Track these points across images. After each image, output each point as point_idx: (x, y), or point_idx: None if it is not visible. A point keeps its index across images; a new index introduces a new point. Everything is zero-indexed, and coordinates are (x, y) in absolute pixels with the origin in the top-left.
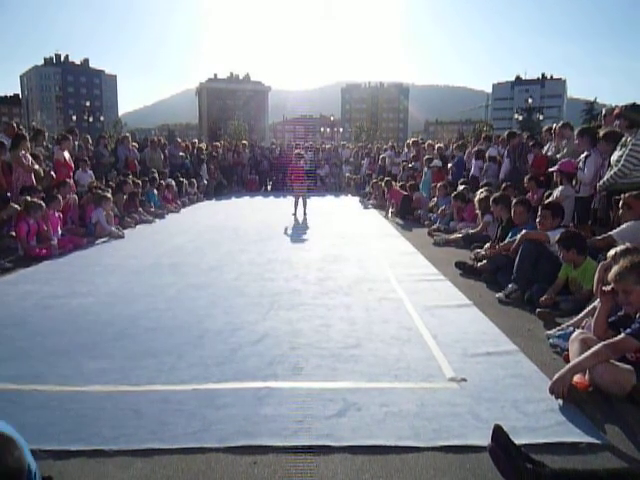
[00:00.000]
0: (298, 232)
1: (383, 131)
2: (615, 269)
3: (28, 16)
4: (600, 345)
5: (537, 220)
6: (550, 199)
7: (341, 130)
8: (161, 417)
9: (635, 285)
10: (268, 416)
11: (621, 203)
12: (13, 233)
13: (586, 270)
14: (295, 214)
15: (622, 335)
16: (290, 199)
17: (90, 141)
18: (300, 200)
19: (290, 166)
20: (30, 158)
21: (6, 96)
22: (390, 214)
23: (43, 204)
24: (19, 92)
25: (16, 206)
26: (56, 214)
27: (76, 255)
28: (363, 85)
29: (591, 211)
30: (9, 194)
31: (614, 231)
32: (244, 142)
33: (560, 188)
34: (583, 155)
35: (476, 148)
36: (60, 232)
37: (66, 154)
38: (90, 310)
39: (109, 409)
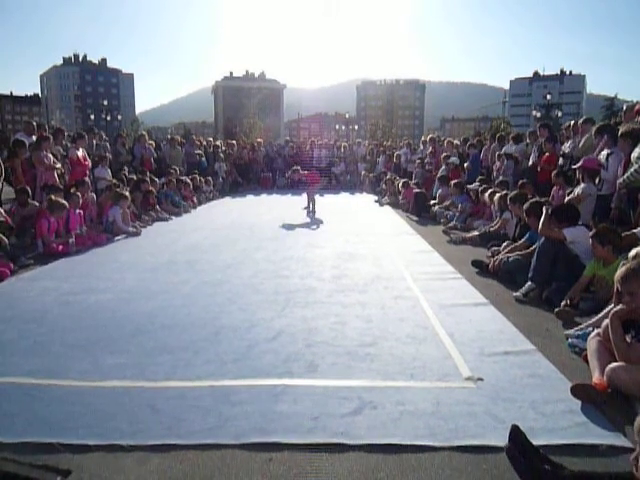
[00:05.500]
0: (313, 230)
1: (399, 128)
2: (621, 271)
3: (48, 17)
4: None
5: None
6: (571, 196)
7: (356, 127)
8: (177, 413)
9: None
10: (283, 413)
11: None
12: (32, 230)
13: (615, 270)
14: (308, 208)
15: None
16: (305, 197)
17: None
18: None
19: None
20: (52, 157)
21: (27, 95)
22: (406, 211)
23: (66, 203)
24: (39, 92)
25: (36, 204)
26: (76, 212)
27: (94, 252)
28: (378, 82)
29: (610, 209)
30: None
31: (638, 229)
32: (259, 140)
33: (582, 185)
34: (605, 152)
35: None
36: (79, 229)
37: (79, 152)
38: (107, 306)
39: (126, 404)
